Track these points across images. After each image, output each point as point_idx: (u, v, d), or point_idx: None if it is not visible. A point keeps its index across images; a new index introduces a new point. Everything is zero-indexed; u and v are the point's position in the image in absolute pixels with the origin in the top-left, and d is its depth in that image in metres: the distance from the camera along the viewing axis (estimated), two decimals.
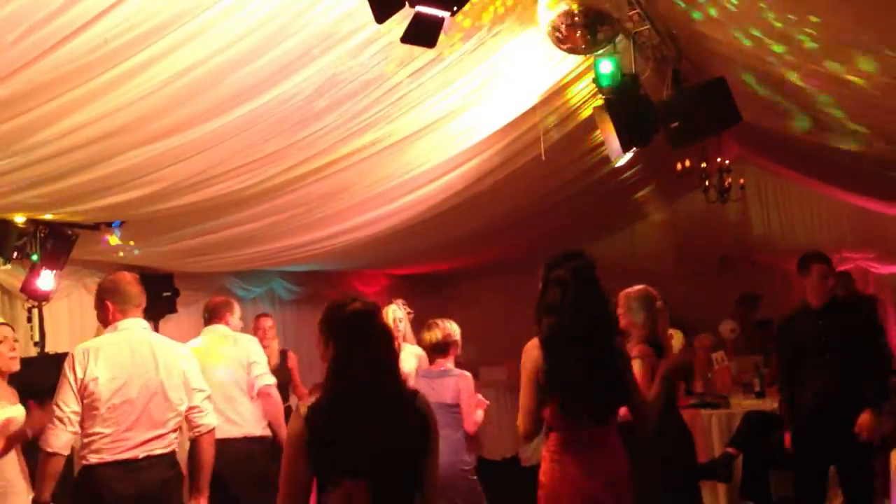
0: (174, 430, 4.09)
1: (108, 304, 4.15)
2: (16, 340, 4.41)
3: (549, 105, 5.72)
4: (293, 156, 4.90)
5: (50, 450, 3.84)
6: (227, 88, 3.86)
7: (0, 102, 3.34)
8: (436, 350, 5.28)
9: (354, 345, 2.84)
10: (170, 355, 4.15)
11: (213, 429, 4.24)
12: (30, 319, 6.06)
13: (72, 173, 4.37)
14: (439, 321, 5.33)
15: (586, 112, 6.12)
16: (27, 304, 6.13)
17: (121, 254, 6.16)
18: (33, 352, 6.03)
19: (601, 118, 5.20)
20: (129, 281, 4.27)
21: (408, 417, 2.87)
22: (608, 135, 5.23)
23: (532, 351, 3.65)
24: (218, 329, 5.66)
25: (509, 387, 9.52)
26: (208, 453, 4.18)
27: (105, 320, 4.19)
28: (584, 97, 6.05)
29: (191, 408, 4.13)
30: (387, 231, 7.50)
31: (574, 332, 3.53)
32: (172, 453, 4.10)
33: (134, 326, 4.14)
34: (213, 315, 5.75)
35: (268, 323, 7.13)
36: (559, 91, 5.74)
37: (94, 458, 3.89)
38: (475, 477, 5.17)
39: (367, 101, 4.46)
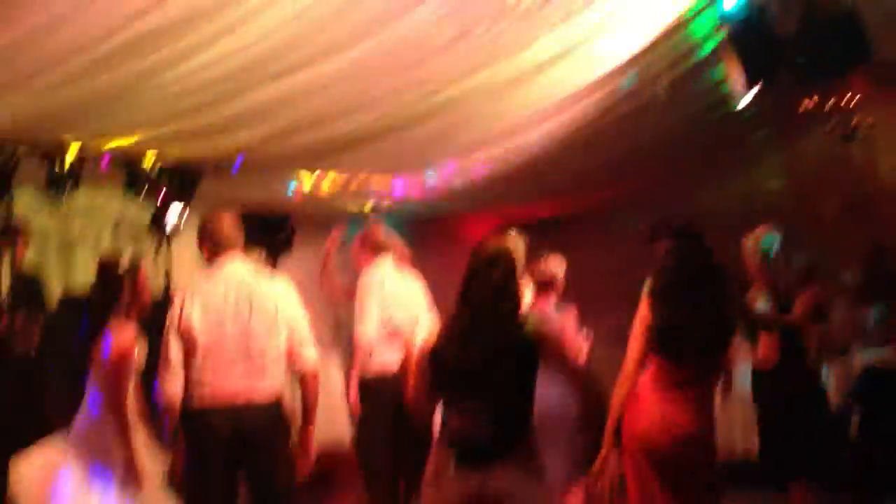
0: (275, 373, 3.98)
1: (204, 245, 4.14)
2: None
3: (670, 39, 5.53)
4: (411, 93, 4.90)
5: (164, 397, 3.90)
6: (345, 26, 3.88)
7: (129, 43, 3.44)
8: (540, 285, 5.28)
9: (476, 279, 3.15)
10: (266, 294, 4.02)
11: (314, 368, 4.11)
12: (157, 254, 6.27)
13: (198, 111, 4.49)
14: (546, 256, 5.32)
15: (708, 46, 5.90)
16: (155, 240, 6.35)
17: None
18: (161, 286, 6.27)
19: (724, 53, 5.01)
20: (221, 221, 4.19)
21: (521, 345, 3.09)
22: (731, 71, 5.04)
23: (642, 304, 3.86)
24: None
25: (614, 334, 9.41)
26: (309, 395, 4.08)
27: (206, 260, 4.17)
28: (708, 31, 5.82)
29: (290, 347, 4.02)
30: (499, 171, 7.47)
31: (675, 279, 3.74)
32: (278, 398, 4.01)
33: (230, 266, 4.06)
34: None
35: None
36: (681, 25, 5.54)
37: (195, 402, 3.88)
38: (580, 417, 5.15)
39: (489, 34, 4.40)
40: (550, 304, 5.25)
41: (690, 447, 3.65)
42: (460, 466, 3.01)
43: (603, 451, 3.78)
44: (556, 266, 5.29)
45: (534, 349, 3.12)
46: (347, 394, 5.25)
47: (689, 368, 3.71)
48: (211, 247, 4.10)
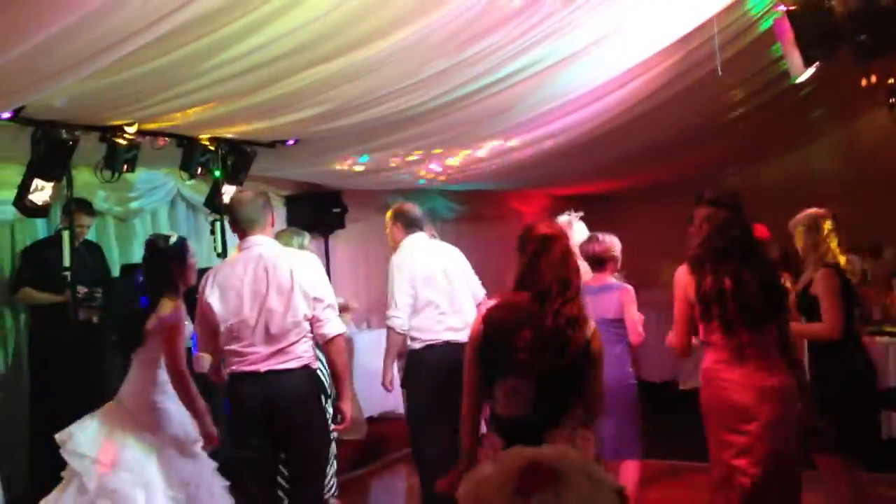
0: (298, 343, 4.06)
1: (231, 226, 4.27)
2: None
3: (726, 17, 5.44)
4: (458, 75, 4.91)
5: (198, 372, 4.17)
6: (394, 8, 3.90)
7: (184, 24, 3.49)
8: (595, 263, 5.23)
9: (534, 260, 3.17)
10: (285, 269, 4.06)
11: (338, 336, 4.14)
12: (212, 232, 6.38)
13: (250, 93, 4.56)
14: (600, 234, 5.27)
15: (766, 23, 5.79)
16: (210, 218, 6.48)
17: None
18: (216, 262, 6.38)
19: (782, 30, 4.92)
20: (243, 201, 4.24)
21: (573, 332, 3.11)
22: (789, 48, 4.94)
23: (681, 273, 3.86)
24: None
25: (667, 309, 9.35)
26: (335, 362, 4.15)
27: (239, 239, 4.26)
28: (765, 7, 5.71)
29: (312, 318, 4.07)
30: (549, 150, 7.44)
31: (717, 246, 3.70)
32: (305, 367, 4.09)
33: (254, 244, 4.12)
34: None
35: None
36: (738, 2, 5.44)
37: (229, 370, 4.10)
38: (635, 392, 5.16)
39: (535, 18, 4.39)
40: (606, 281, 5.21)
41: (777, 401, 3.65)
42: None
43: None
44: (611, 243, 5.23)
45: (590, 353, 3.17)
46: (384, 374, 5.29)
47: (741, 337, 3.69)
48: (237, 226, 4.20)
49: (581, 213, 5.88)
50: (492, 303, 3.36)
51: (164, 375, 4.17)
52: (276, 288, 4.02)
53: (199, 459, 4.23)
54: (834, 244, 4.69)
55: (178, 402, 4.18)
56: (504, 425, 3.11)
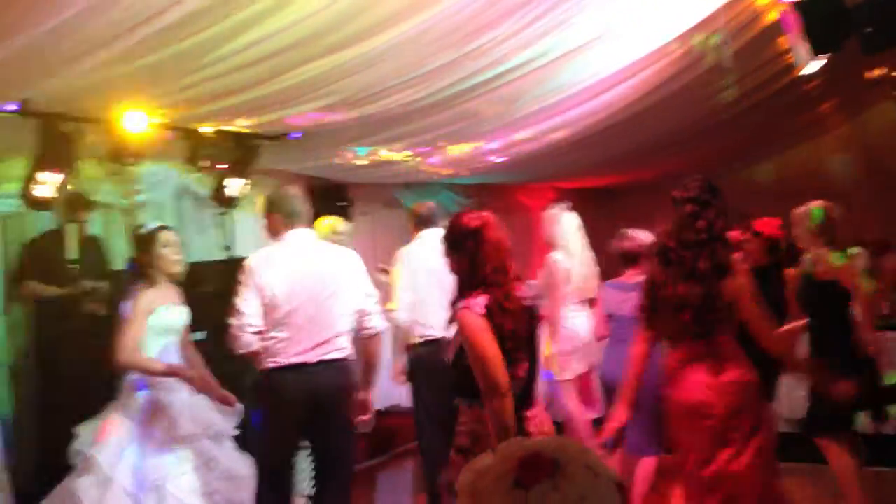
0: (345, 335, 4.20)
1: (276, 216, 4.28)
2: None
3: (733, 8, 5.41)
4: (464, 68, 4.89)
5: (241, 352, 4.09)
6: (396, 2, 3.89)
7: (189, 16, 3.50)
8: (625, 259, 5.21)
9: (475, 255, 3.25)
10: (336, 262, 4.25)
11: (379, 333, 4.34)
12: (218, 225, 6.38)
13: (254, 85, 4.56)
14: (630, 230, 5.23)
15: (772, 15, 5.76)
16: (216, 211, 6.47)
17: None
18: (222, 256, 6.39)
19: (790, 22, 4.89)
20: (295, 195, 4.37)
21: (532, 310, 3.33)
22: (796, 40, 4.92)
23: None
24: None
25: None
26: (375, 355, 4.34)
27: (273, 231, 4.32)
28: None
29: (358, 311, 4.23)
30: (555, 144, 7.42)
31: (667, 249, 3.75)
32: (346, 359, 4.22)
33: (301, 237, 4.27)
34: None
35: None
36: None
37: (271, 362, 4.08)
38: (657, 394, 5.13)
39: (539, 9, 4.37)
40: (638, 278, 5.19)
41: (732, 394, 3.63)
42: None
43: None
44: (643, 240, 5.20)
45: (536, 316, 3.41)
46: (393, 366, 5.33)
47: (688, 346, 3.70)
48: (282, 219, 4.26)
49: (570, 204, 5.89)
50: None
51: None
52: (332, 279, 4.16)
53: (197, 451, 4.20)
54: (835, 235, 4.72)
55: (181, 394, 4.18)
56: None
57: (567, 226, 5.81)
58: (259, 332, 4.07)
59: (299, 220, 4.28)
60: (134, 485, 3.94)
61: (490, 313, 3.12)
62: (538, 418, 3.19)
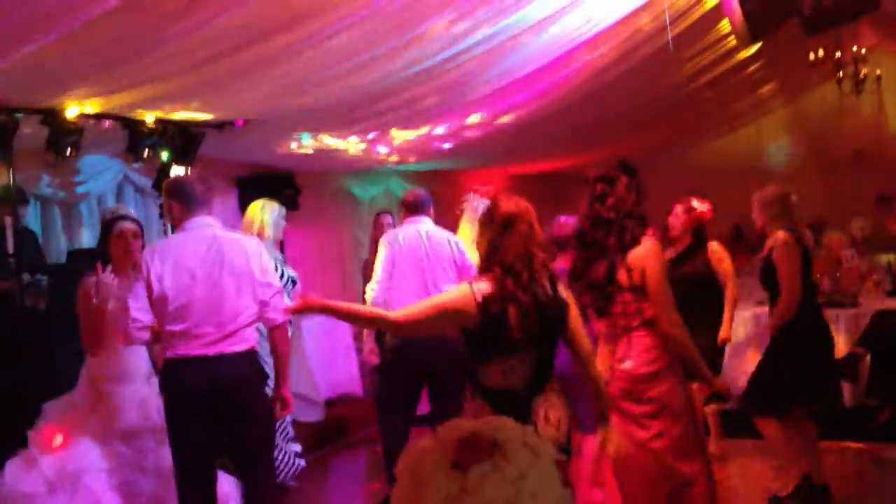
0: (248, 326, 4.01)
1: (173, 204, 4.07)
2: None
3: None
4: (409, 53, 4.86)
5: (130, 343, 3.97)
6: None
7: (128, 1, 3.41)
8: (557, 245, 5.26)
9: (501, 240, 3.15)
10: (237, 252, 4.02)
11: (284, 322, 4.15)
12: (162, 216, 6.28)
13: (194, 70, 4.47)
14: (563, 217, 5.27)
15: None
16: (159, 201, 6.36)
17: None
18: None
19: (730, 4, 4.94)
20: (192, 181, 4.17)
21: (554, 301, 3.15)
22: (737, 22, 4.97)
23: None
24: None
25: None
26: (280, 347, 4.15)
27: (174, 220, 4.12)
28: None
29: (260, 301, 4.03)
30: (503, 127, 7.43)
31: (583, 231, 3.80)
32: (251, 350, 4.03)
33: (200, 225, 4.04)
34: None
35: (388, 220, 7.16)
36: None
37: (170, 354, 3.91)
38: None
39: None
40: (564, 264, 5.24)
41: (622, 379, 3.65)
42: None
43: None
44: (572, 225, 5.24)
45: (565, 307, 3.18)
46: (365, 344, 5.32)
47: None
48: (179, 207, 4.05)
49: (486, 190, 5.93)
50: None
51: (92, 358, 4.11)
52: (230, 269, 3.95)
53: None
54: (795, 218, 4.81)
55: (135, 385, 4.12)
56: (494, 396, 3.08)
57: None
58: (148, 327, 3.88)
59: (199, 207, 4.06)
60: (52, 473, 3.89)
61: (487, 302, 3.04)
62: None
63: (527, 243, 3.12)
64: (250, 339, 4.02)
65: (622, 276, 3.61)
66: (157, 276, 3.86)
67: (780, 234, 4.70)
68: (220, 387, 3.88)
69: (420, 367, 4.92)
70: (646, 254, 3.61)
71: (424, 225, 5.23)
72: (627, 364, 3.62)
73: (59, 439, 4.01)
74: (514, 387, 3.06)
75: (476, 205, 5.66)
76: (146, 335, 3.89)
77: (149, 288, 3.87)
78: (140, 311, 3.84)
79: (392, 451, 4.97)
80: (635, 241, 3.63)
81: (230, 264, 3.96)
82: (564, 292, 3.22)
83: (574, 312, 3.22)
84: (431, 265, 5.16)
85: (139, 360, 4.29)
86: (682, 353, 3.64)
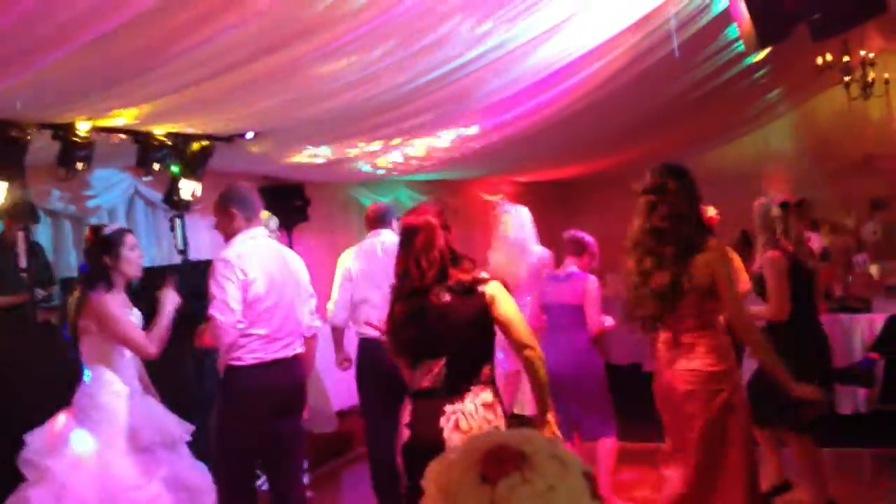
0: (300, 332, 4.23)
1: (235, 212, 4.09)
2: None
3: None
4: (419, 63, 4.87)
5: (224, 348, 3.97)
6: None
7: (137, 17, 3.41)
8: (572, 246, 5.33)
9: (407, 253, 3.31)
10: (296, 262, 4.29)
11: (317, 332, 4.40)
12: (172, 229, 6.29)
13: (203, 84, 4.47)
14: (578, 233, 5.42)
15: (720, 5, 5.81)
16: (169, 215, 6.37)
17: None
18: (176, 260, 6.30)
19: (737, 11, 4.94)
20: (252, 190, 4.26)
21: (468, 305, 3.23)
22: (745, 28, 4.97)
23: None
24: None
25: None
26: (311, 353, 4.39)
27: (229, 228, 4.12)
28: None
29: (309, 311, 4.29)
30: (511, 137, 7.43)
31: (634, 238, 3.79)
32: (299, 353, 4.23)
33: (262, 234, 4.18)
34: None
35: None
36: None
37: (249, 358, 3.96)
38: (601, 374, 5.23)
39: (492, 2, 4.36)
40: (569, 268, 5.29)
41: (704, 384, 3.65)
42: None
43: None
44: (587, 232, 5.36)
45: (477, 309, 3.23)
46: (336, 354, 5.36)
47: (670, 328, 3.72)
48: (241, 215, 4.10)
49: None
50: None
51: (109, 375, 4.06)
52: (294, 278, 4.20)
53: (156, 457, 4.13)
54: (782, 229, 4.78)
55: (137, 399, 4.11)
56: (414, 398, 3.28)
57: (515, 221, 5.91)
58: (239, 329, 3.94)
59: (256, 217, 4.17)
60: (91, 494, 3.85)
61: (391, 320, 3.30)
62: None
63: (423, 252, 3.23)
64: (300, 344, 4.24)
65: (685, 281, 3.61)
66: (252, 281, 3.97)
67: (768, 253, 4.71)
68: (289, 388, 4.11)
69: (385, 369, 4.90)
70: (711, 259, 3.61)
71: (382, 237, 5.21)
72: (693, 364, 3.64)
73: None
74: (426, 388, 3.21)
75: (506, 211, 5.73)
76: (237, 333, 3.94)
77: (244, 290, 3.95)
78: (240, 314, 3.92)
79: (375, 459, 4.97)
80: (697, 248, 3.62)
81: (294, 273, 4.21)
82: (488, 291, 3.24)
83: (500, 307, 3.24)
84: (390, 277, 5.14)
85: (134, 376, 4.26)
86: (758, 356, 3.78)
